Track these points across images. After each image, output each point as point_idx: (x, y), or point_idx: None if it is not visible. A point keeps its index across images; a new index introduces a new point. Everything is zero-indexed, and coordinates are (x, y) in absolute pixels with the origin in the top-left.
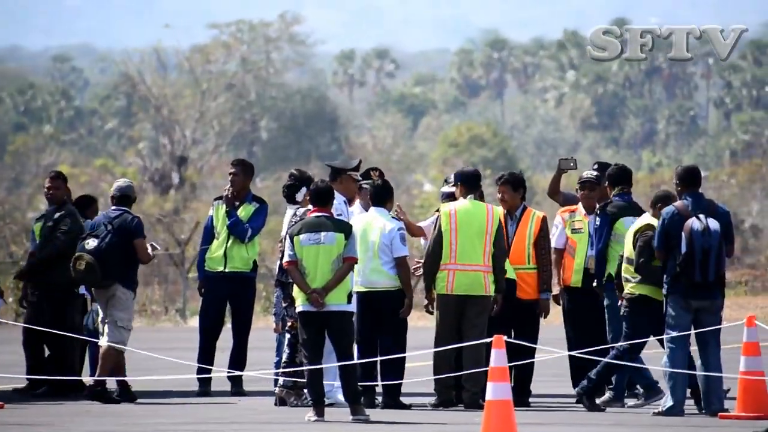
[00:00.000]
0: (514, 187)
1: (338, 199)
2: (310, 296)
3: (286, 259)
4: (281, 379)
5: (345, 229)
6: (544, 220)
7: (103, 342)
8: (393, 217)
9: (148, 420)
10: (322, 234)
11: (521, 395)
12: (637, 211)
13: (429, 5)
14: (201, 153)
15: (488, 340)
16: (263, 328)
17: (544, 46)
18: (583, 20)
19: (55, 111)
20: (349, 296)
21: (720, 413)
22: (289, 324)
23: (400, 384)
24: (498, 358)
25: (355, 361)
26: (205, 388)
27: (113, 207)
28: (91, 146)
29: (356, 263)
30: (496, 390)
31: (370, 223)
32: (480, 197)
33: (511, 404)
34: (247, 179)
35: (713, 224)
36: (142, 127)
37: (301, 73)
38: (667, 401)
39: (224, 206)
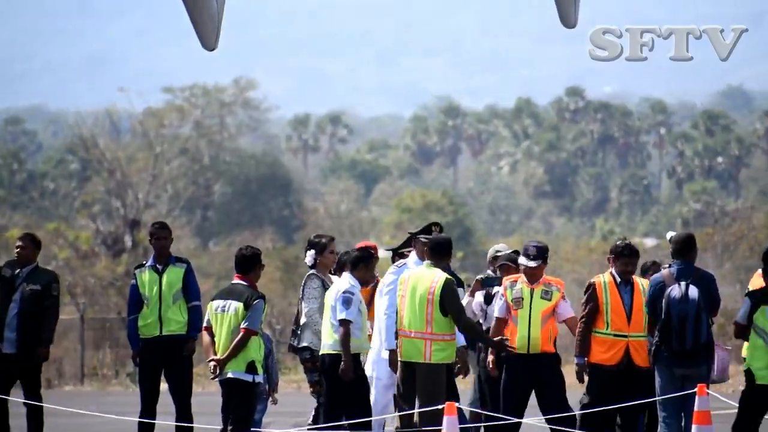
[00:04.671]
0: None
1: (419, 264)
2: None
3: (204, 324)
4: None
5: (248, 299)
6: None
7: None
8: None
9: None
10: (229, 302)
11: None
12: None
13: (382, 72)
14: (154, 216)
15: (440, 406)
16: (203, 393)
17: (498, 113)
18: (537, 88)
19: (7, 174)
20: (250, 366)
21: None
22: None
23: None
24: (449, 425)
25: None
26: None
27: None
28: (43, 209)
29: (254, 335)
30: None
31: (333, 288)
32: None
33: None
34: (171, 241)
35: (692, 292)
36: (95, 190)
37: (255, 138)
38: None
39: (148, 272)
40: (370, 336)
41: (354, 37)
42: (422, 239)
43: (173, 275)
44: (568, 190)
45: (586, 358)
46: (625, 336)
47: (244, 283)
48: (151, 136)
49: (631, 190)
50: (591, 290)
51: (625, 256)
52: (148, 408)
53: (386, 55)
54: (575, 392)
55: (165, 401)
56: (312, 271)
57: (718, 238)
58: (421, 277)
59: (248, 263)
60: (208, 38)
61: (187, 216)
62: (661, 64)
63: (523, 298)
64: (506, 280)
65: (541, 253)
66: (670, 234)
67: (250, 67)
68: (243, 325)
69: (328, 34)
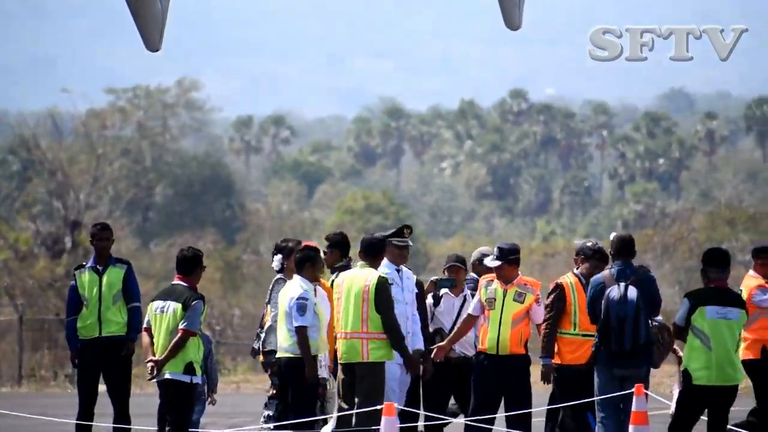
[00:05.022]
0: None
1: (390, 268)
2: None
3: (144, 325)
4: None
5: (186, 300)
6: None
7: None
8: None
9: None
10: (168, 303)
11: None
12: None
13: (326, 73)
14: (95, 217)
15: (378, 407)
16: (141, 394)
17: (441, 115)
18: (480, 91)
19: None
20: (188, 367)
21: None
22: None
23: None
24: (388, 425)
25: None
26: None
27: None
28: None
29: (192, 336)
30: None
31: (286, 291)
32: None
33: None
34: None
35: (631, 293)
36: (35, 191)
37: (198, 140)
38: None
39: (88, 273)
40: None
41: (302, 39)
42: (395, 242)
43: (113, 276)
44: (510, 192)
45: (551, 360)
46: (592, 336)
47: (185, 284)
48: (93, 138)
49: (572, 191)
50: (558, 291)
51: (596, 260)
52: (86, 409)
53: (335, 57)
54: (542, 395)
55: (103, 402)
56: (279, 276)
57: (658, 240)
58: (355, 278)
59: (189, 264)
60: (152, 39)
61: (128, 217)
62: (602, 66)
63: (495, 299)
64: (483, 279)
65: (504, 254)
66: (613, 235)
67: (194, 69)
68: (181, 326)
69: (275, 35)
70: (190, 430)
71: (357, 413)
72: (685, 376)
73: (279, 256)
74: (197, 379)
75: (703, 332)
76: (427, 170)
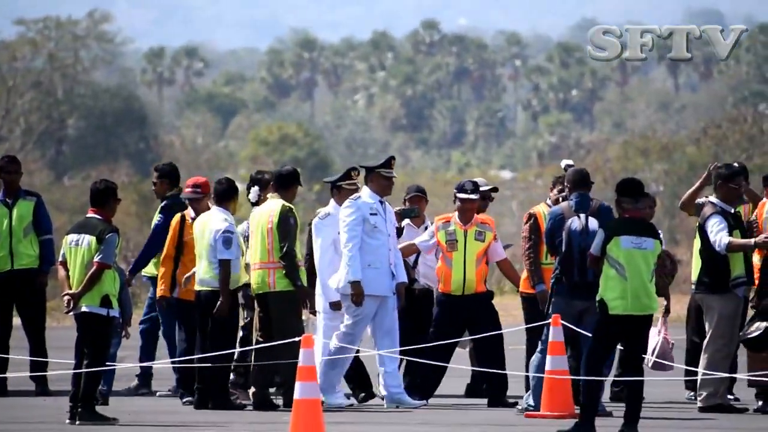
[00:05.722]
0: None
1: (374, 198)
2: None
3: (59, 258)
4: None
5: (101, 233)
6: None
7: None
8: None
9: None
10: (82, 236)
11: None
12: None
13: (239, 4)
14: (6, 150)
15: (297, 339)
16: (59, 327)
17: (354, 47)
18: (393, 21)
19: None
20: (104, 300)
21: (526, 412)
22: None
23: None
24: (306, 357)
25: (116, 365)
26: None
27: None
28: None
29: (107, 269)
30: (304, 389)
31: (206, 223)
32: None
33: (319, 403)
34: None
35: (593, 224)
36: None
37: (110, 72)
38: (528, 400)
39: None
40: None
41: None
42: (383, 173)
43: (23, 209)
44: (424, 123)
45: (544, 286)
46: None
47: (99, 217)
48: (3, 70)
49: (486, 123)
50: (533, 221)
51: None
52: (1, 343)
53: None
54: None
55: (18, 335)
56: (257, 208)
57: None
58: (263, 210)
59: (103, 197)
60: None
61: (40, 150)
62: None
63: (457, 240)
64: (438, 221)
65: (478, 188)
66: (564, 162)
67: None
68: (96, 259)
69: None
70: (107, 363)
71: (273, 346)
72: (601, 306)
73: (256, 188)
74: (114, 312)
75: (619, 262)
76: (340, 102)
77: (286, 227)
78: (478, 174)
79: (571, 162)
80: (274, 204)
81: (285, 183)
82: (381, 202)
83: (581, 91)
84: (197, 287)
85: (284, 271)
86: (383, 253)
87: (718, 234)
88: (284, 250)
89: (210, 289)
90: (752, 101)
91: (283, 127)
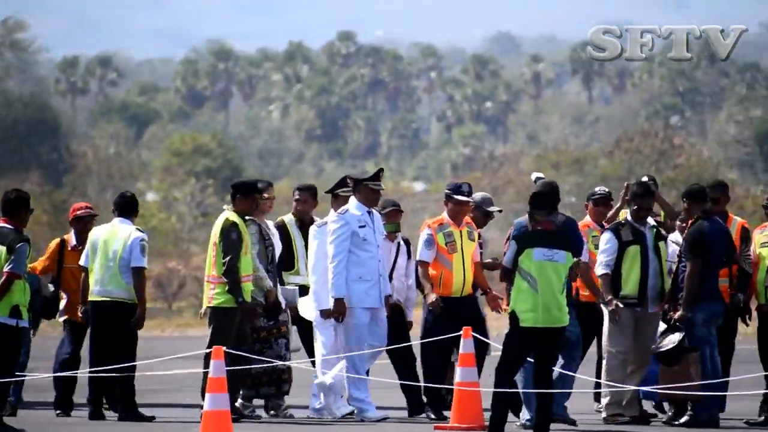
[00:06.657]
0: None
1: (362, 209)
2: None
3: None
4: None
5: (11, 242)
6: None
7: None
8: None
9: None
10: None
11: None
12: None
13: (153, 14)
14: None
15: (207, 350)
16: None
17: (269, 57)
18: (309, 33)
19: None
20: (14, 310)
21: (436, 424)
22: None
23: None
24: (216, 368)
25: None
26: None
27: None
28: None
29: (17, 279)
30: (214, 401)
31: (114, 233)
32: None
33: (229, 415)
34: None
35: None
36: None
37: (23, 80)
38: (524, 414)
39: None
40: None
41: None
42: (371, 186)
43: None
44: (339, 134)
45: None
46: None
47: (9, 226)
48: None
49: (401, 134)
50: None
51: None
52: None
53: None
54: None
55: None
56: (249, 217)
57: (487, 182)
58: (216, 224)
59: (14, 206)
60: None
61: None
62: (429, 8)
63: (455, 241)
64: (433, 223)
65: (472, 192)
66: (534, 175)
67: (19, 9)
68: (6, 269)
69: None
70: (16, 373)
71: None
72: (512, 318)
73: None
74: (23, 323)
75: (530, 274)
76: (255, 113)
77: (227, 242)
78: (391, 185)
79: (541, 174)
80: (221, 217)
81: (245, 192)
82: (369, 213)
83: (495, 104)
84: (95, 297)
85: (226, 287)
86: (373, 265)
87: (600, 256)
88: (225, 266)
89: (112, 299)
90: (664, 114)
91: (197, 137)
